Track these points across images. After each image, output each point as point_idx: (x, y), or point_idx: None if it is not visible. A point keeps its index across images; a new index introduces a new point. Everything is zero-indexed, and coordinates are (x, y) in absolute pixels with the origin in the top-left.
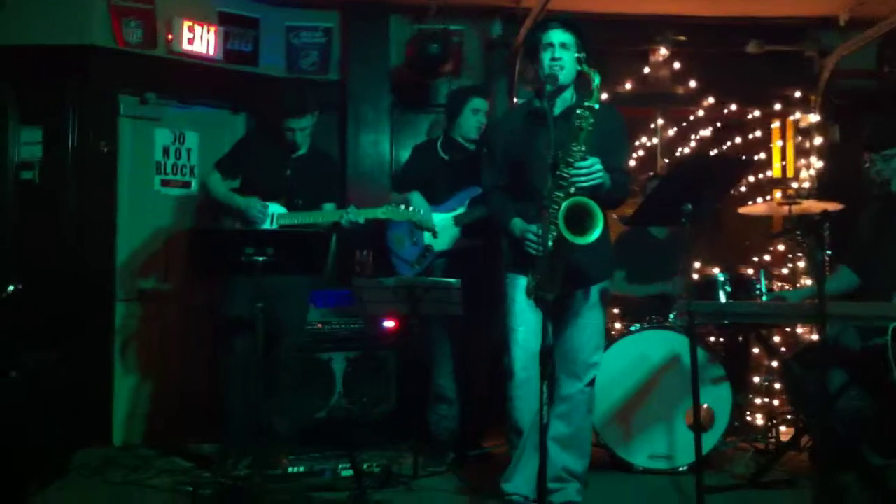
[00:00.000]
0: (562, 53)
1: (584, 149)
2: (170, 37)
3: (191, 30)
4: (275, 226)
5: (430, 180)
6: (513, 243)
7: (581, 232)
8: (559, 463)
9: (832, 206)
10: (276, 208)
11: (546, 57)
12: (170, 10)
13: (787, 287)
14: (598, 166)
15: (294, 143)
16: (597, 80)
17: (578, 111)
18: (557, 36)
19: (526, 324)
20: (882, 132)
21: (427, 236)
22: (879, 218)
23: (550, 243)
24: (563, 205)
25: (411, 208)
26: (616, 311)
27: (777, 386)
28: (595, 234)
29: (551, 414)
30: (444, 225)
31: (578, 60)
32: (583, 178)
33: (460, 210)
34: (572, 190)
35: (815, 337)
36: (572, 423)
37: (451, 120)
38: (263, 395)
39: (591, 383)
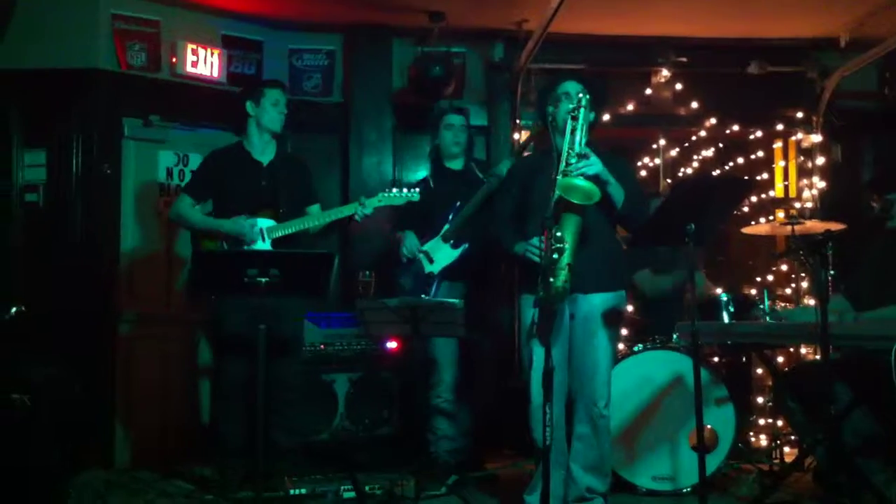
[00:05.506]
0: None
1: (577, 147)
2: (174, 60)
3: (194, 53)
4: (267, 240)
5: (426, 213)
6: (521, 264)
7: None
8: (582, 484)
9: (835, 226)
10: (263, 222)
11: (566, 104)
12: (174, 34)
13: (790, 307)
14: (593, 157)
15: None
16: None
17: (571, 115)
18: (574, 87)
19: (540, 347)
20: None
21: (425, 264)
22: (882, 255)
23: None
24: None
25: (404, 191)
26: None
27: None
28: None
29: (573, 437)
30: (435, 246)
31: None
32: (581, 166)
33: (446, 227)
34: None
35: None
36: (593, 447)
37: (433, 141)
38: (265, 414)
39: (608, 405)
